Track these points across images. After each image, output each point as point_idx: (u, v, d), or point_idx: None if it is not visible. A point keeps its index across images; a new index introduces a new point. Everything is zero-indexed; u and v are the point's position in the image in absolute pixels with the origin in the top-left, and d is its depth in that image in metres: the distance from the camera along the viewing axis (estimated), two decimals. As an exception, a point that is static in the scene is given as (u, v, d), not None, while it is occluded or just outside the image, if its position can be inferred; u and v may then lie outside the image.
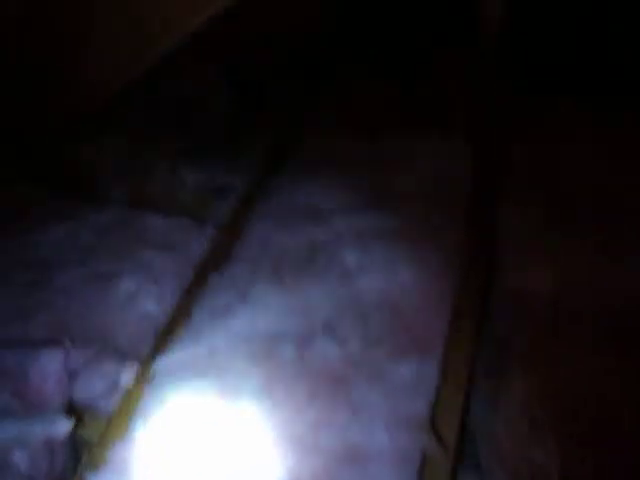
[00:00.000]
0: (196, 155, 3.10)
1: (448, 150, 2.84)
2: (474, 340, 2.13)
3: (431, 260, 2.37)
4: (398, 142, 2.96)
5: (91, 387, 2.12)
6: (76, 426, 1.99)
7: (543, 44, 3.19)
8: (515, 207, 2.54)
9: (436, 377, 2.02)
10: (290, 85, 3.42)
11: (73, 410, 2.06)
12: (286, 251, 2.53)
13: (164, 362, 2.19)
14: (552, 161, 2.76)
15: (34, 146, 2.95)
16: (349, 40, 3.51)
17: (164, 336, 2.29)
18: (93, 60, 2.58)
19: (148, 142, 3.10)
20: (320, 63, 3.49)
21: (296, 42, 3.37)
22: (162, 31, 2.42)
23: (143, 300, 2.39)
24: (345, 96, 3.39)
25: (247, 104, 3.34)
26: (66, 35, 2.55)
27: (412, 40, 3.40)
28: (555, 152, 2.78)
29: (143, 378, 2.14)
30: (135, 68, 2.58)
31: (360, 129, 3.08)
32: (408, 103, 3.23)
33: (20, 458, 1.87)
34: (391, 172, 2.82)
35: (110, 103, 2.88)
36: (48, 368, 2.11)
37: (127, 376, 2.13)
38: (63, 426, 1.96)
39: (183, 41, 2.55)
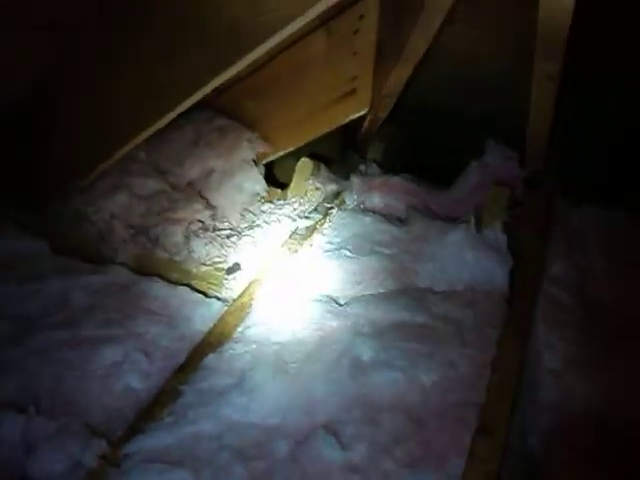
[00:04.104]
0: (213, 229, 2.92)
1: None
2: (499, 458, 1.81)
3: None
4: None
5: (49, 464, 1.83)
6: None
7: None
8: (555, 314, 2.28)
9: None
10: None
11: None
12: (294, 337, 2.26)
13: (138, 446, 1.90)
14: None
15: (44, 203, 2.82)
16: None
17: (144, 416, 2.01)
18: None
19: (165, 210, 2.92)
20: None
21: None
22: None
23: (127, 373, 2.13)
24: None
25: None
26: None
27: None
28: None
29: (110, 461, 1.84)
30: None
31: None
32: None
33: None
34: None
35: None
36: (3, 435, 1.84)
37: (91, 457, 1.83)
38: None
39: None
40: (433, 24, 2.53)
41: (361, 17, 2.80)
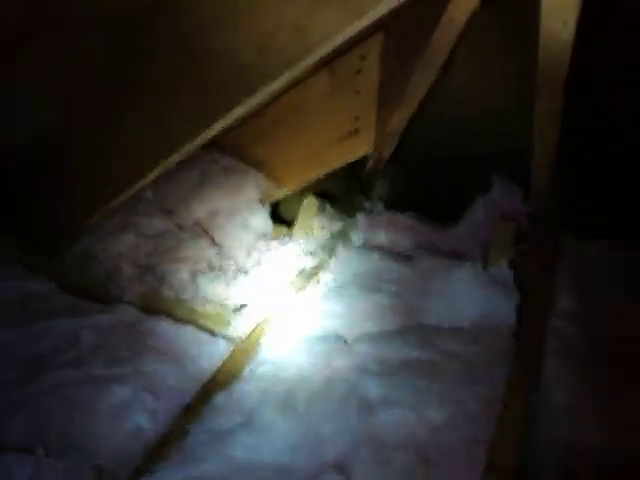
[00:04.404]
0: (219, 268, 2.93)
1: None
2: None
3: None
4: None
5: (57, 506, 1.81)
6: None
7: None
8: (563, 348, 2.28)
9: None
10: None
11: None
12: (302, 376, 2.26)
13: (146, 486, 1.88)
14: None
15: (51, 244, 2.84)
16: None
17: (152, 456, 1.99)
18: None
19: (172, 249, 2.94)
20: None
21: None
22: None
23: (136, 412, 2.11)
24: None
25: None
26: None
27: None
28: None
29: (118, 502, 1.83)
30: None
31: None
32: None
33: None
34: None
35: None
36: (13, 478, 1.82)
37: (99, 498, 1.82)
38: None
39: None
40: (435, 64, 2.58)
41: (363, 57, 2.86)
